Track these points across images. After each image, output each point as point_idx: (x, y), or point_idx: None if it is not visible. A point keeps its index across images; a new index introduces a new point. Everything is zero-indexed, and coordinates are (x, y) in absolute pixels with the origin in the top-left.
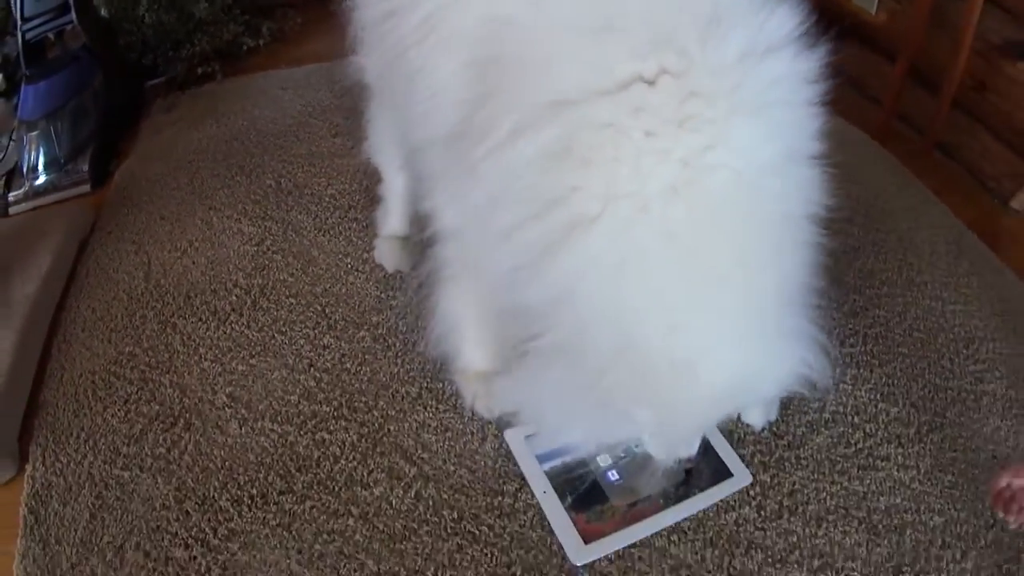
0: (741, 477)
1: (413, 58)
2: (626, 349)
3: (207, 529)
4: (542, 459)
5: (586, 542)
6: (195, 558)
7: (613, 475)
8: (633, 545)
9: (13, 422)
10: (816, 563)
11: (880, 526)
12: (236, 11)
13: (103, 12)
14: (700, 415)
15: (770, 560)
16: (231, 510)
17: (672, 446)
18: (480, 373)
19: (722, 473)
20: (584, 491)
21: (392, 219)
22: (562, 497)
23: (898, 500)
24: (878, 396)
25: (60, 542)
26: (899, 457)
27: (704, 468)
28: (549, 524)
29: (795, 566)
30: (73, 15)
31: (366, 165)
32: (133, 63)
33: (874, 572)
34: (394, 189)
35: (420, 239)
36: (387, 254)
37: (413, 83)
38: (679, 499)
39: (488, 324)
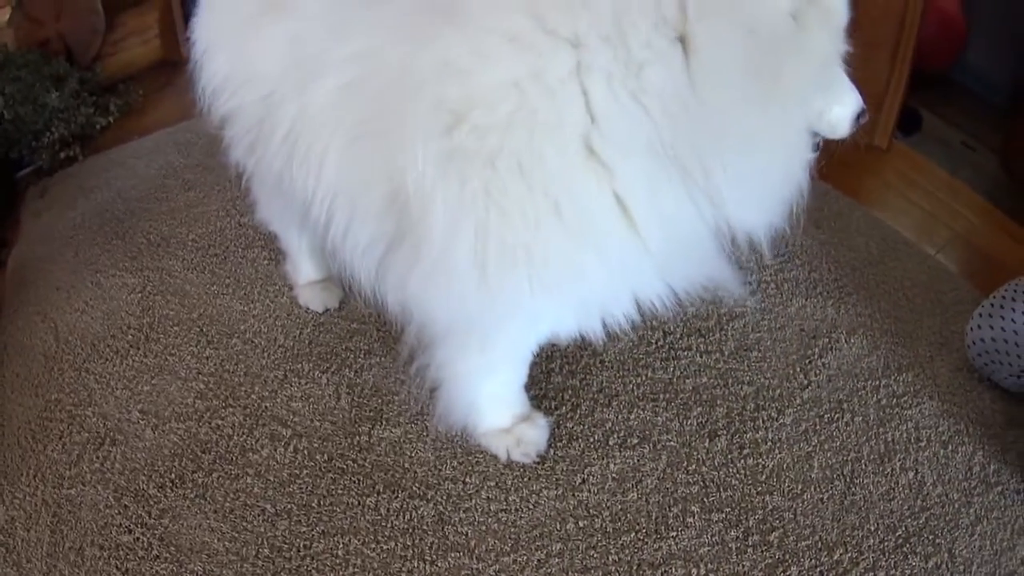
0: None
1: (292, 179)
2: None
3: (143, 514)
4: None
5: None
6: (138, 539)
7: None
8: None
9: None
10: (634, 440)
11: (690, 402)
12: (84, 94)
13: None
14: None
15: (591, 446)
16: (158, 494)
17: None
18: (504, 429)
19: None
20: None
21: (305, 268)
22: None
23: (704, 380)
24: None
25: (31, 560)
26: (701, 345)
27: None
28: None
29: (615, 448)
30: None
31: (216, 211)
32: (2, 159)
33: (689, 440)
34: (298, 248)
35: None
36: (312, 299)
37: (312, 206)
38: None
39: (511, 383)
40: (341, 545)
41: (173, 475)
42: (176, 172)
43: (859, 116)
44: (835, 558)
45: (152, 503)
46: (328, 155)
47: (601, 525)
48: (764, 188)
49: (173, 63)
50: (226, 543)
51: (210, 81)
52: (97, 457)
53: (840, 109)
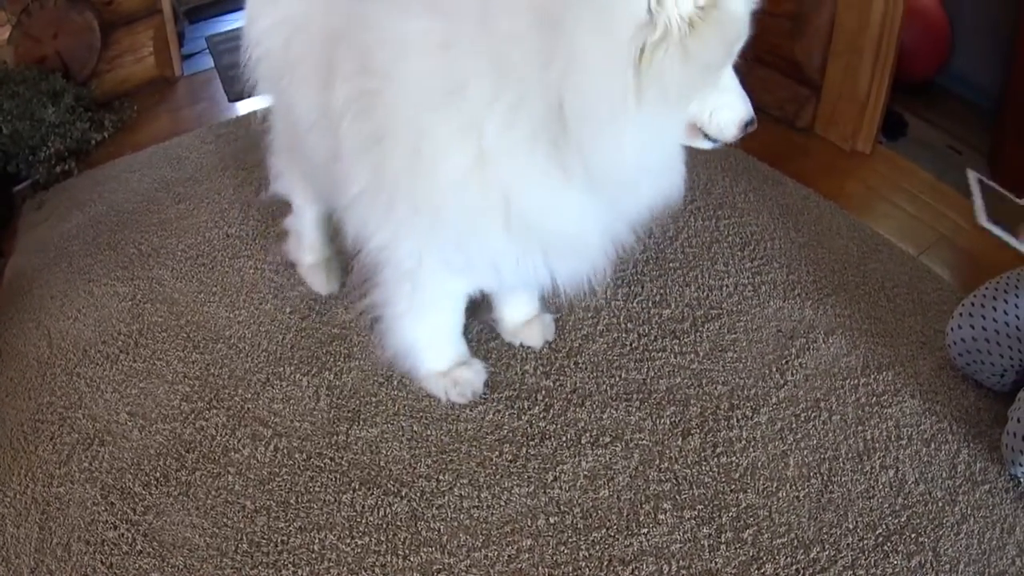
0: None
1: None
2: None
3: (128, 511)
4: None
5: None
6: (123, 535)
7: None
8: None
9: None
10: (606, 439)
11: (663, 402)
12: (80, 110)
13: None
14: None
15: (563, 445)
16: (143, 492)
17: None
18: (442, 372)
19: None
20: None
21: (310, 242)
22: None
23: (678, 380)
24: (650, 304)
25: (19, 556)
26: (675, 347)
27: None
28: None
29: (587, 446)
30: None
31: (205, 222)
32: (0, 173)
33: (662, 438)
34: (307, 220)
35: (342, 256)
36: (318, 280)
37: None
38: None
39: (444, 328)
40: (317, 540)
41: (158, 474)
42: (167, 186)
43: (747, 124)
44: (812, 556)
45: (137, 500)
46: (311, 86)
47: (572, 521)
48: (639, 175)
49: (166, 80)
50: (207, 538)
51: (253, 35)
52: (86, 457)
53: (727, 114)
